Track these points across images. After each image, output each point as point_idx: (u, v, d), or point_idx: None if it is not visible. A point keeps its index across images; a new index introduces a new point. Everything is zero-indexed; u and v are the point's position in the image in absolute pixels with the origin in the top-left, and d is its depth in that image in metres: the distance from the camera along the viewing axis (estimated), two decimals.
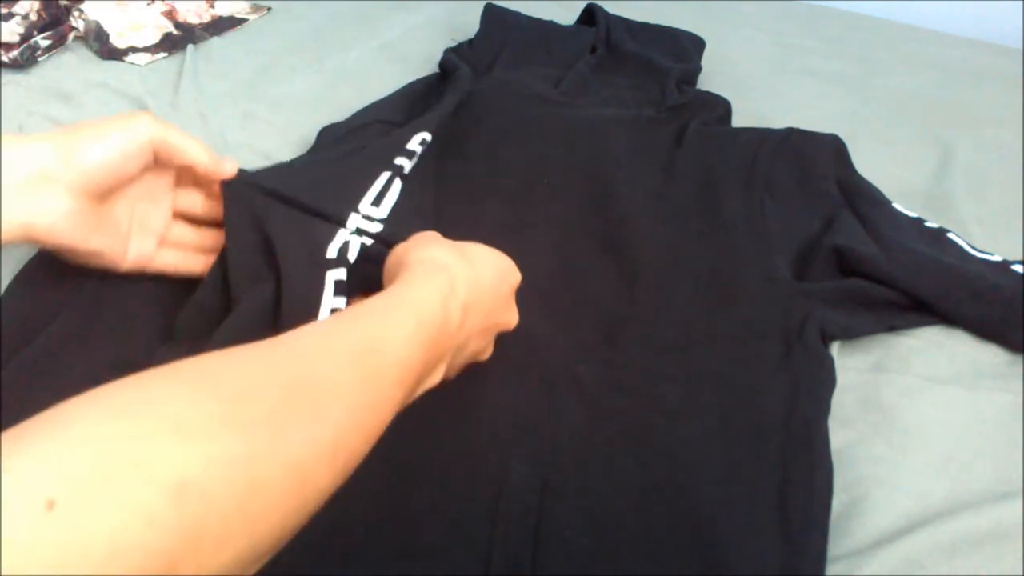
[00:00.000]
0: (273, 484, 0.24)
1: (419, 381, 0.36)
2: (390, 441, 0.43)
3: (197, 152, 0.48)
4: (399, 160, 0.59)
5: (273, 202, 0.50)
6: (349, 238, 0.51)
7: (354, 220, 0.53)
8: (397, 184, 0.58)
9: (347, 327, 0.33)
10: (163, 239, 0.51)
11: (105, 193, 0.45)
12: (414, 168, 0.60)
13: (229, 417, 0.24)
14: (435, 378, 0.39)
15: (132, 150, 0.44)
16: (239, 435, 0.24)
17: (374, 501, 0.41)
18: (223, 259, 0.49)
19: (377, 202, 0.56)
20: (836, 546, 0.42)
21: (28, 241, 0.42)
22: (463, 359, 0.43)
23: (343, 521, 0.40)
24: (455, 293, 0.38)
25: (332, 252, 0.50)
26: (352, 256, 0.50)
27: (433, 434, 0.45)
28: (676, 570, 0.40)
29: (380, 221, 0.54)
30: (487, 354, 0.46)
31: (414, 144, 0.61)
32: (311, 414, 0.27)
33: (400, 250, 0.42)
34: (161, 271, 0.51)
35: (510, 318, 0.46)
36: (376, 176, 0.57)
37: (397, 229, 0.53)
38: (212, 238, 0.52)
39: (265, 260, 0.48)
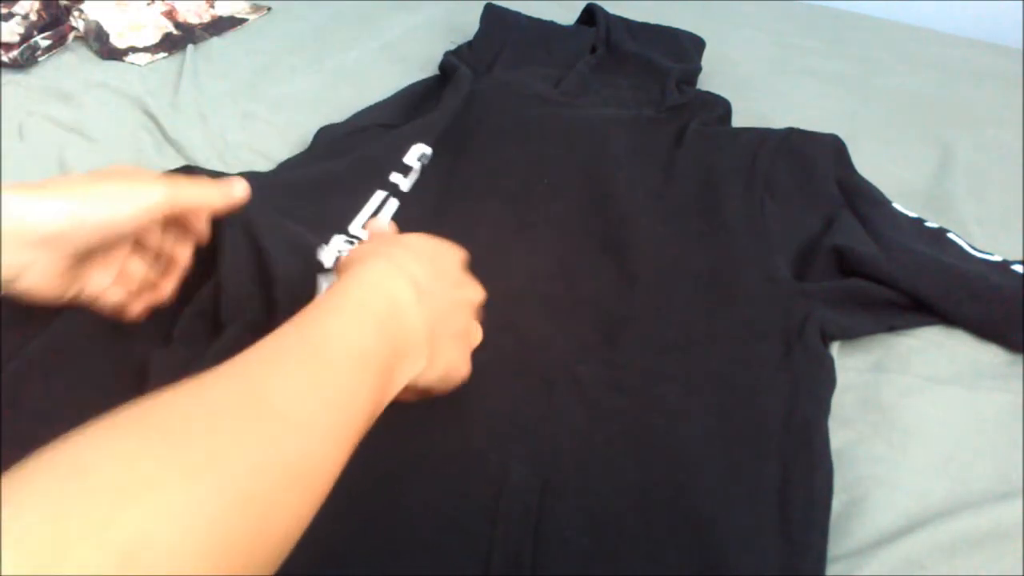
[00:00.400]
0: (234, 523, 0.24)
1: (387, 368, 0.35)
2: (390, 441, 0.43)
3: (211, 197, 0.45)
4: (394, 177, 0.59)
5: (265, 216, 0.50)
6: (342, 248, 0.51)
7: (337, 241, 0.53)
8: (392, 204, 0.57)
9: (291, 332, 0.33)
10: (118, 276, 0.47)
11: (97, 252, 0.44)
12: (413, 186, 0.60)
13: (179, 463, 0.24)
14: (412, 366, 0.37)
15: (143, 222, 0.42)
16: (190, 481, 0.23)
17: (373, 501, 0.41)
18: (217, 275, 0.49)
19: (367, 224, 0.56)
20: (836, 546, 0.42)
21: None
22: (442, 364, 0.40)
23: (342, 521, 0.40)
24: (400, 268, 0.38)
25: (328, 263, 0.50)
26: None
27: (433, 434, 0.45)
28: (676, 570, 0.40)
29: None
30: (465, 370, 0.44)
31: (411, 158, 0.61)
32: (265, 440, 0.26)
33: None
34: (103, 307, 0.47)
35: (473, 294, 0.44)
36: (370, 195, 0.57)
37: None
38: (160, 271, 0.49)
39: (257, 277, 0.48)
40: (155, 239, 0.47)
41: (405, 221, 0.57)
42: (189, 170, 0.60)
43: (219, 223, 0.49)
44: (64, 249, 0.40)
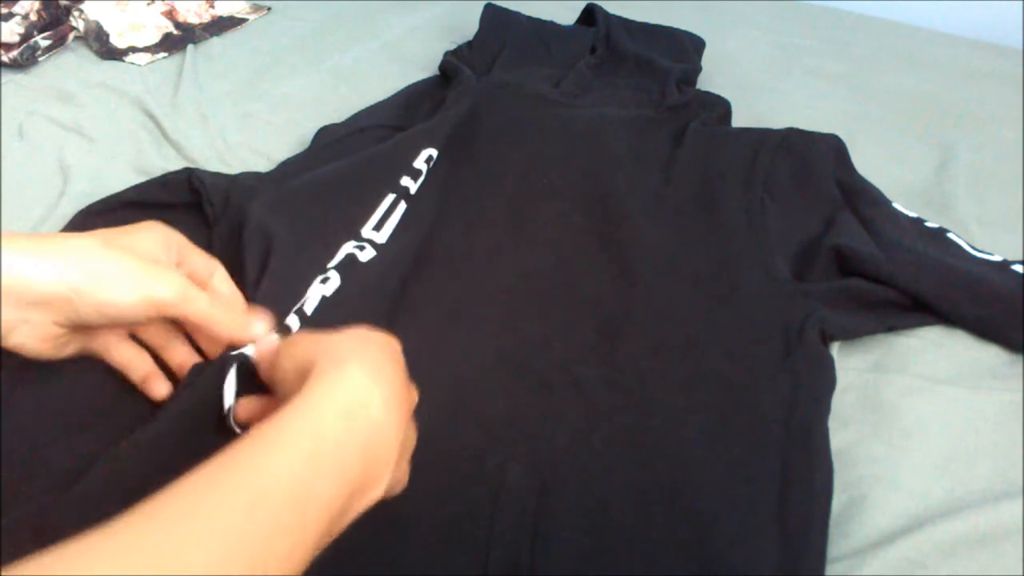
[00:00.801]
0: None
1: (338, 511, 0.30)
2: None
3: (226, 328, 0.41)
4: (405, 181, 0.59)
5: None
6: (317, 289, 0.50)
7: (347, 248, 0.53)
8: (401, 207, 0.58)
9: (226, 468, 0.27)
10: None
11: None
12: (420, 187, 0.60)
13: None
14: (370, 497, 0.32)
15: (145, 316, 0.39)
16: None
17: None
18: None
19: (379, 227, 0.56)
20: (836, 546, 0.42)
21: None
22: (394, 480, 0.35)
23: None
24: (376, 375, 0.33)
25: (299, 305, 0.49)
26: (309, 309, 0.48)
27: (430, 435, 0.45)
28: (675, 570, 0.40)
29: (377, 247, 0.54)
30: (405, 481, 0.38)
31: (420, 162, 0.61)
32: None
33: (297, 353, 0.36)
34: (112, 362, 0.44)
35: (415, 394, 0.38)
36: (382, 198, 0.58)
37: (386, 255, 0.54)
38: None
39: None
40: (158, 337, 0.44)
41: (412, 224, 0.57)
42: (190, 172, 0.60)
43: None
44: (59, 315, 0.38)
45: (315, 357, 0.34)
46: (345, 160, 0.61)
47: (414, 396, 0.38)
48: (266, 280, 0.50)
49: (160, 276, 0.39)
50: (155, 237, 0.42)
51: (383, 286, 0.52)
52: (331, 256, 0.53)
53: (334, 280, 0.50)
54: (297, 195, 0.57)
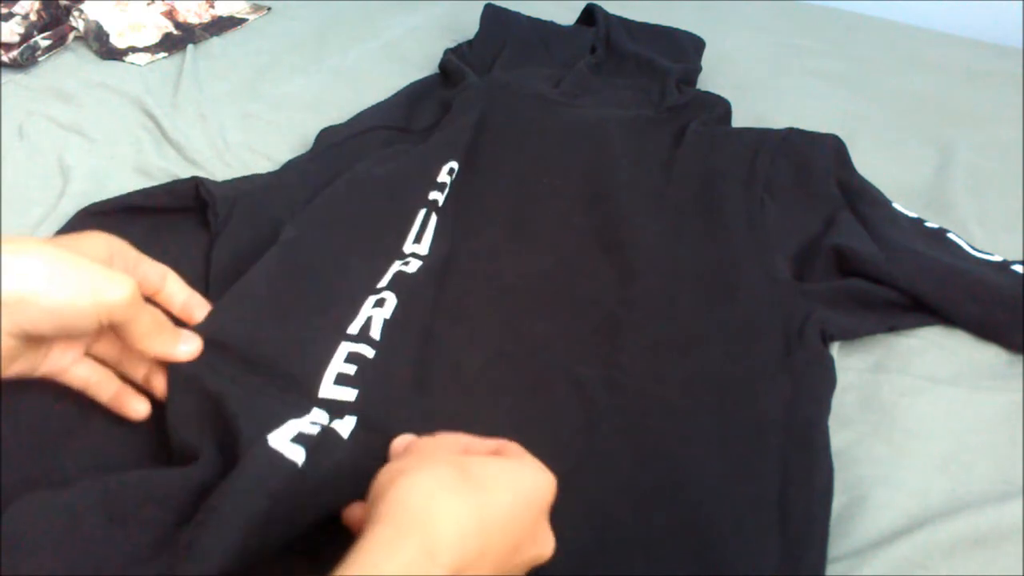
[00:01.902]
0: None
1: None
2: (387, 443, 0.43)
3: (153, 340, 0.39)
4: (433, 195, 0.60)
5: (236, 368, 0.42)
6: (372, 312, 0.49)
7: (395, 267, 0.53)
8: (433, 218, 0.59)
9: None
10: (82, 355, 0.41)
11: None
12: (446, 198, 0.61)
13: None
14: None
15: (100, 322, 0.37)
16: None
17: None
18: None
19: (419, 239, 0.57)
20: (836, 546, 0.42)
21: None
22: None
23: (340, 522, 0.40)
24: (433, 560, 0.28)
25: (354, 328, 0.48)
26: (376, 333, 0.48)
27: (430, 435, 0.45)
28: (676, 570, 0.40)
29: (421, 257, 0.55)
30: None
31: (444, 175, 0.62)
32: None
33: (383, 480, 0.33)
34: (70, 384, 0.41)
35: (541, 550, 0.34)
36: (416, 214, 0.58)
37: (433, 263, 0.54)
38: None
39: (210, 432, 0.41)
40: (113, 350, 0.41)
41: (444, 232, 0.58)
42: (197, 181, 0.59)
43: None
44: (8, 322, 0.35)
45: (382, 501, 0.30)
46: (370, 177, 0.60)
47: (548, 546, 0.34)
48: (311, 300, 0.49)
49: (112, 278, 0.37)
50: (101, 243, 0.40)
51: (427, 296, 0.53)
52: (378, 276, 0.52)
53: (390, 300, 0.50)
54: (329, 214, 0.56)
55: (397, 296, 0.50)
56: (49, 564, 0.32)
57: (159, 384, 0.41)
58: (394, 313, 0.49)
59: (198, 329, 0.43)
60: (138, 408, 0.41)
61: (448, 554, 0.29)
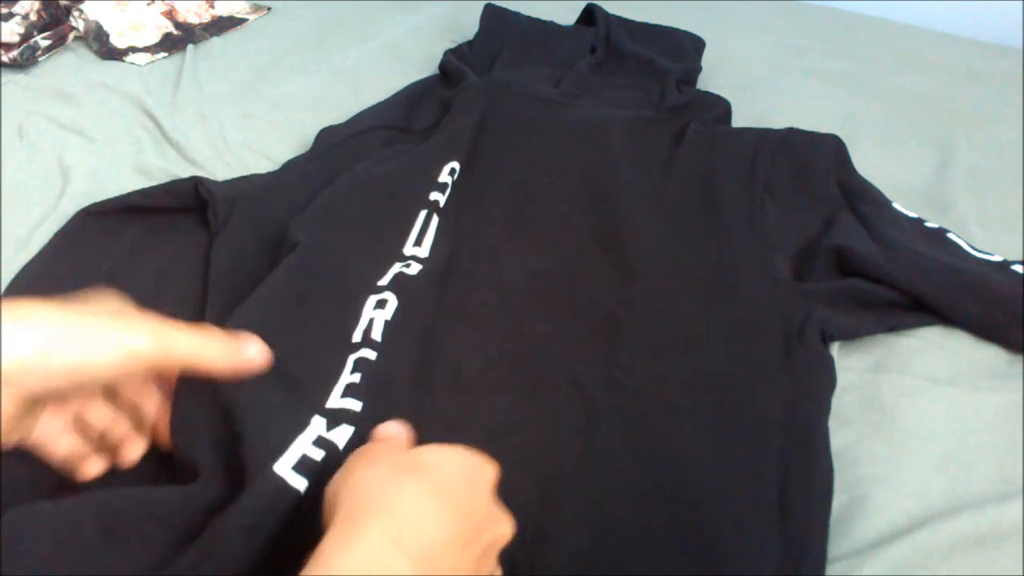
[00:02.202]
0: None
1: None
2: None
3: (213, 356, 0.37)
4: (434, 195, 0.60)
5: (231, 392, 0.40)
6: (373, 314, 0.49)
7: (395, 268, 0.53)
8: (435, 220, 0.58)
9: None
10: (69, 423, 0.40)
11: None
12: (447, 199, 0.60)
13: None
14: None
15: (121, 372, 0.36)
16: None
17: None
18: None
19: (419, 242, 0.56)
20: (836, 546, 0.42)
21: None
22: None
23: None
24: (398, 541, 0.28)
25: (357, 335, 0.48)
26: (377, 335, 0.48)
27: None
28: (676, 570, 0.40)
29: (422, 260, 0.55)
30: None
31: (445, 175, 0.61)
32: None
33: (337, 481, 0.33)
34: (50, 457, 0.39)
35: (501, 530, 0.34)
36: (416, 215, 0.58)
37: (435, 266, 0.54)
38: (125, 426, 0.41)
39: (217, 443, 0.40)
40: (130, 392, 0.40)
41: (446, 234, 0.58)
42: (196, 181, 0.59)
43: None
44: (20, 389, 0.33)
45: (337, 504, 0.30)
46: (370, 177, 0.60)
47: (505, 527, 0.34)
48: (314, 300, 0.49)
49: (133, 324, 0.35)
50: (110, 297, 0.39)
51: (428, 298, 0.53)
52: (378, 276, 0.52)
53: (391, 302, 0.50)
54: (331, 215, 0.56)
55: (398, 297, 0.50)
56: (45, 572, 0.32)
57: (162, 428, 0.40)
58: (395, 315, 0.49)
59: None
60: (91, 472, 0.39)
61: (414, 538, 0.28)
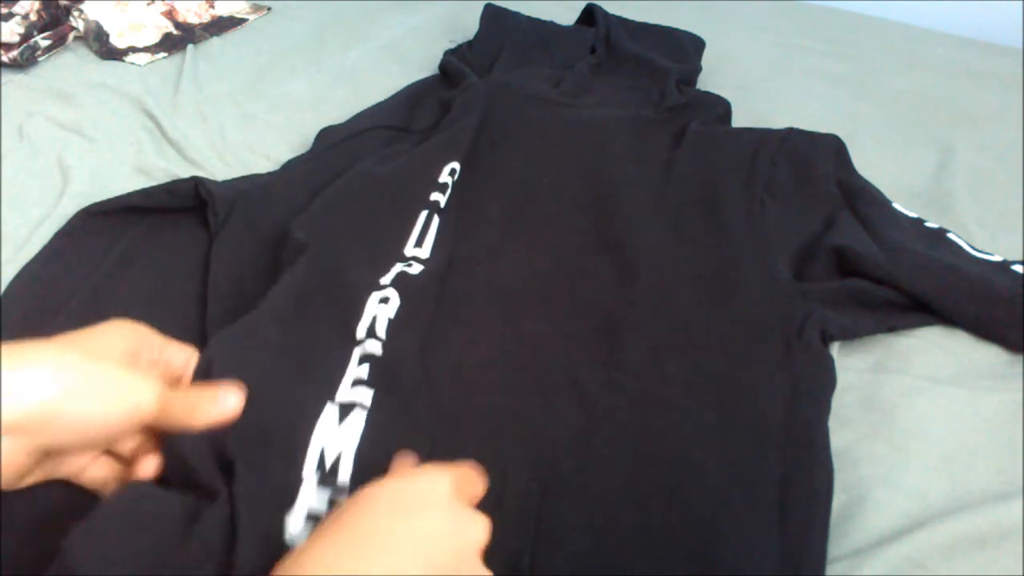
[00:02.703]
0: None
1: None
2: (387, 445, 0.43)
3: (202, 415, 0.37)
4: (435, 196, 0.60)
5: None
6: (377, 310, 0.49)
7: (397, 268, 0.53)
8: (436, 221, 0.58)
9: None
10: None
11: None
12: (448, 199, 0.61)
13: None
14: None
15: (132, 429, 0.36)
16: None
17: None
18: None
19: (420, 243, 0.56)
20: (836, 546, 0.42)
21: None
22: None
23: None
24: None
25: (361, 331, 0.48)
26: (382, 332, 0.48)
27: (430, 437, 0.45)
28: (676, 570, 0.40)
29: (423, 261, 0.55)
30: None
31: (445, 175, 0.61)
32: None
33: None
34: (86, 486, 0.39)
35: (477, 533, 0.34)
36: (417, 216, 0.58)
37: (436, 267, 0.54)
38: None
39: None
40: (127, 446, 0.39)
41: (447, 234, 0.58)
42: (197, 181, 0.59)
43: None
44: (29, 441, 0.33)
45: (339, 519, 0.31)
46: (371, 177, 0.60)
47: (480, 529, 0.34)
48: (318, 298, 0.49)
49: (137, 385, 0.35)
50: (123, 336, 0.38)
51: (430, 298, 0.53)
52: (381, 273, 0.52)
53: (394, 299, 0.50)
54: (331, 215, 0.56)
55: (400, 296, 0.50)
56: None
57: None
58: (398, 312, 0.50)
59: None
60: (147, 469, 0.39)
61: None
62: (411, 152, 0.64)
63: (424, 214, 0.58)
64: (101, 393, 0.33)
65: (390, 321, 0.49)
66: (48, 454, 0.35)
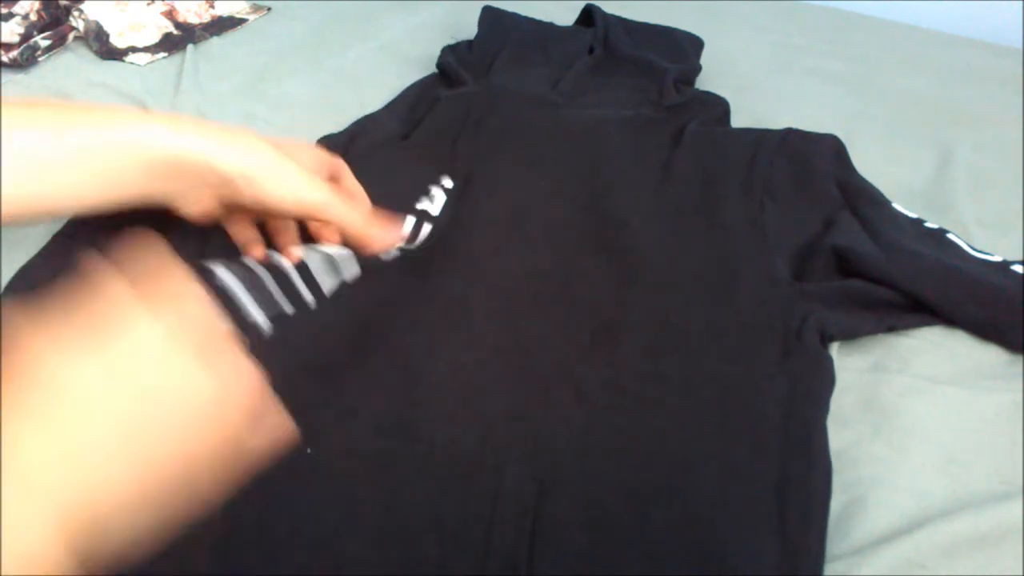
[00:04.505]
0: None
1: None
2: (385, 443, 0.43)
3: (358, 227, 0.49)
4: (423, 204, 0.60)
5: None
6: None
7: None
8: (426, 227, 0.58)
9: None
10: None
11: None
12: (442, 209, 0.61)
13: None
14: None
15: (293, 214, 0.49)
16: None
17: (370, 504, 0.41)
18: None
19: (410, 241, 0.57)
20: (836, 546, 0.42)
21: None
22: None
23: (340, 523, 0.40)
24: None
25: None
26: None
27: (429, 436, 0.45)
28: (674, 570, 0.40)
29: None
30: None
31: (437, 191, 0.62)
32: None
33: None
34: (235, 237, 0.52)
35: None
36: (403, 219, 0.58)
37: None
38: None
39: None
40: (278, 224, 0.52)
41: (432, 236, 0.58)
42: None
43: None
44: (224, 194, 0.45)
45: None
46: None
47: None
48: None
49: (313, 184, 0.46)
50: (313, 155, 0.51)
51: (403, 285, 0.54)
52: None
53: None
54: None
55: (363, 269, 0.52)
56: None
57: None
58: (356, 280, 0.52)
59: None
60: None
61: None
62: (403, 165, 0.64)
63: (411, 220, 0.58)
64: (282, 179, 0.45)
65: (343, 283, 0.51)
66: (227, 207, 0.48)
